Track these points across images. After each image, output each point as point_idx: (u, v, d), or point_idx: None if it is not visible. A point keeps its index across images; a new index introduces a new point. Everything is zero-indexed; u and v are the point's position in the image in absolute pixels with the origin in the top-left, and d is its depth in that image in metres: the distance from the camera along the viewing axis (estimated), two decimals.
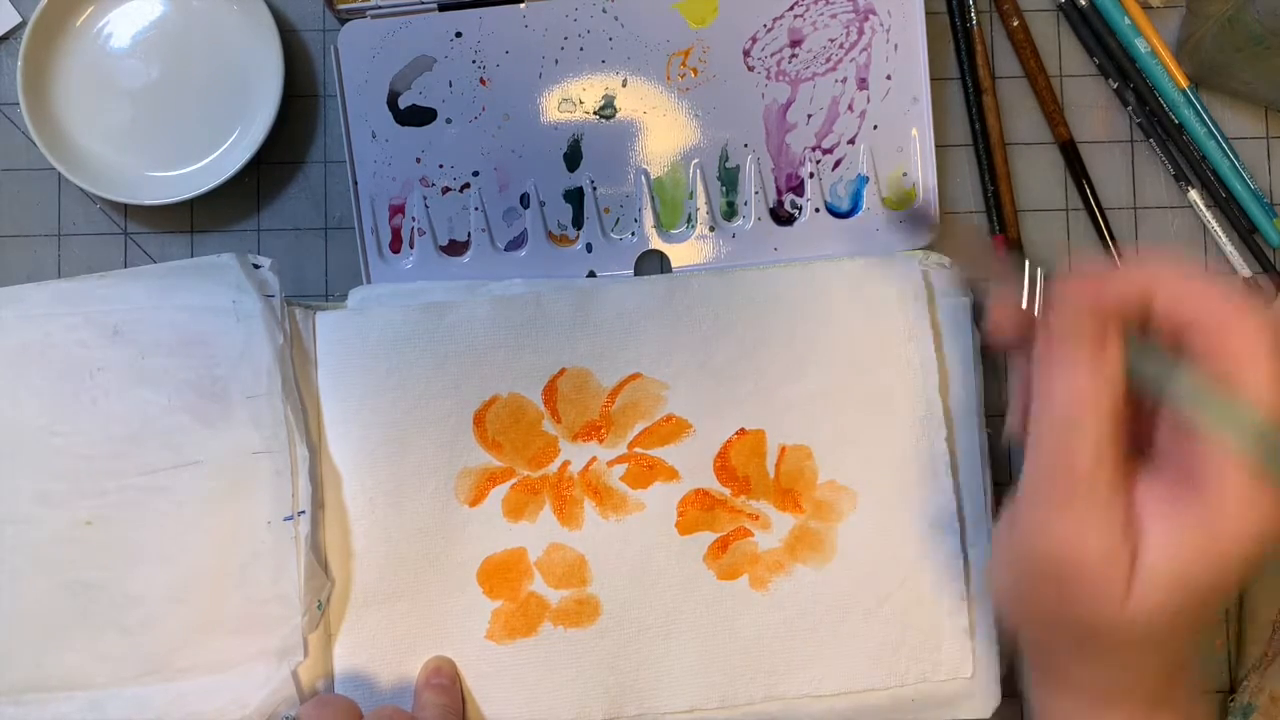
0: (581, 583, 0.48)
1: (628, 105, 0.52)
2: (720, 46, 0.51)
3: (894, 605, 0.47)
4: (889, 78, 0.51)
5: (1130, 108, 0.53)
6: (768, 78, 0.51)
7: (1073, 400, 0.35)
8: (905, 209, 0.51)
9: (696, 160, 0.52)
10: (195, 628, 0.45)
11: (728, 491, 0.49)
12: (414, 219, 0.51)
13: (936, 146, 0.51)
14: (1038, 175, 0.53)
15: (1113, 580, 0.34)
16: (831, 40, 0.51)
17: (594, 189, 0.52)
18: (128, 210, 0.53)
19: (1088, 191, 0.53)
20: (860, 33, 0.51)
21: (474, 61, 0.51)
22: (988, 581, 0.42)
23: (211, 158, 0.52)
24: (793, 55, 0.51)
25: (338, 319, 0.49)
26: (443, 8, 0.51)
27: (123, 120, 0.52)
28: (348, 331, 0.49)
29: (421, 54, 0.51)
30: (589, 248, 0.52)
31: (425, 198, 0.51)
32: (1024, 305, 0.38)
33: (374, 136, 0.51)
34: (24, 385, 0.46)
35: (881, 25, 0.51)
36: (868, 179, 0.51)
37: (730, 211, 0.52)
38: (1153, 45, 0.53)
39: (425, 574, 0.48)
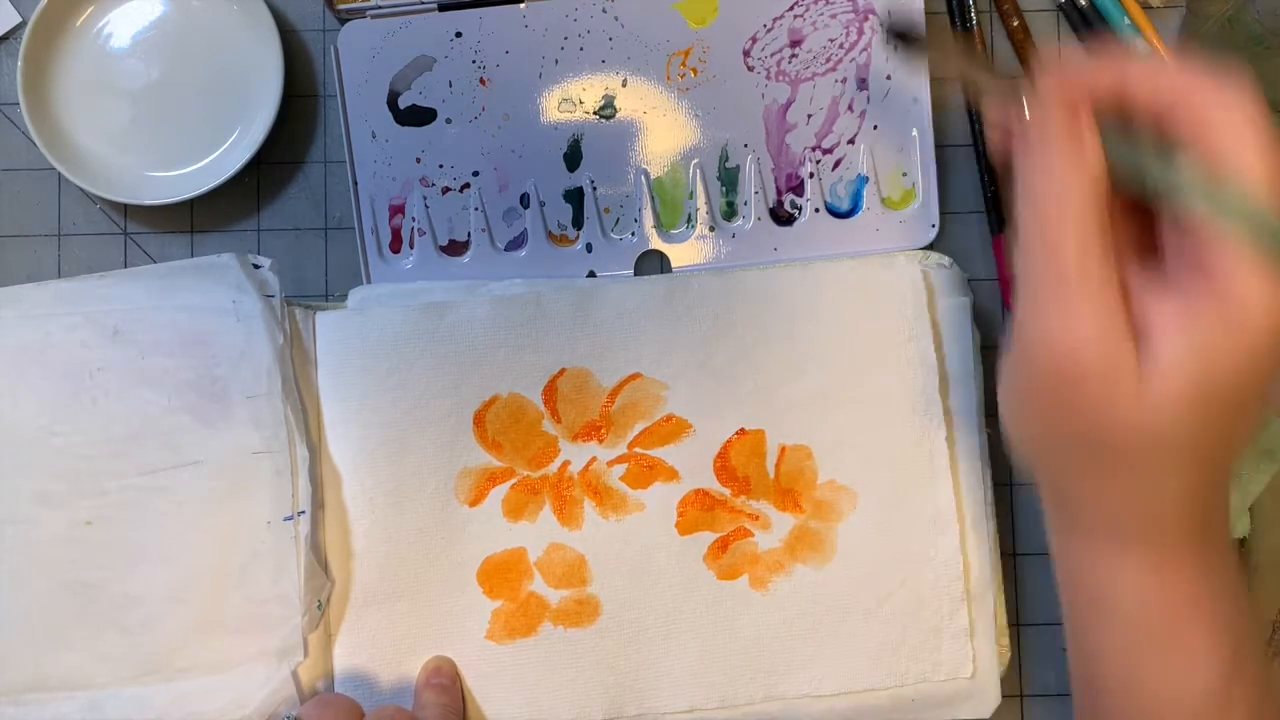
0: (581, 583, 0.48)
1: (628, 105, 0.52)
2: (720, 46, 0.51)
3: (894, 605, 0.47)
4: (889, 78, 0.51)
5: None
6: (768, 78, 0.51)
7: (1051, 191, 0.33)
8: (892, 27, 0.45)
9: (696, 160, 0.52)
10: (195, 628, 0.45)
11: (728, 492, 0.49)
12: (414, 219, 0.51)
13: (936, 146, 0.51)
14: None
15: (1119, 372, 0.32)
16: (831, 40, 0.51)
17: (594, 189, 0.52)
18: (128, 210, 0.53)
19: None
20: (860, 33, 0.51)
21: (474, 61, 0.51)
22: (1001, 412, 0.39)
23: (211, 158, 0.52)
24: (793, 55, 0.51)
25: (338, 319, 0.49)
26: (443, 8, 0.51)
27: (123, 120, 0.52)
28: (348, 331, 0.49)
29: (421, 54, 0.51)
30: (589, 248, 0.52)
31: (425, 198, 0.51)
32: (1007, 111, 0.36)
33: (374, 136, 0.51)
34: (24, 385, 0.46)
35: (882, 25, 0.51)
36: (868, 179, 0.51)
37: (730, 211, 0.52)
38: (1153, 45, 0.53)
39: (425, 574, 0.48)
